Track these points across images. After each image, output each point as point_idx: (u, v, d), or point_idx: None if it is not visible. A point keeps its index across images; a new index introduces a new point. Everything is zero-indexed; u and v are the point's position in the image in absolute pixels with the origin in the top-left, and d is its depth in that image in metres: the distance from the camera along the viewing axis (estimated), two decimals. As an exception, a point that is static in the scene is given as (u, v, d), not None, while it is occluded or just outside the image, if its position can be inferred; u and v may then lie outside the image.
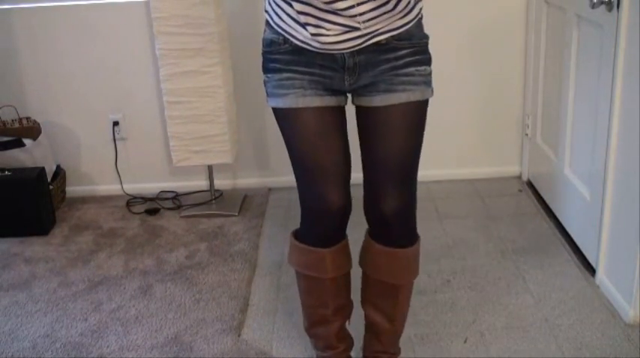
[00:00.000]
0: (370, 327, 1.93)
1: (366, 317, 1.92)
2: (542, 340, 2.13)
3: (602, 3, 2.20)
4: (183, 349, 2.17)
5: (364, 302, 1.91)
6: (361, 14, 1.51)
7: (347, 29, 1.54)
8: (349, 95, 1.72)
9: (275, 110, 1.71)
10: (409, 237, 1.77)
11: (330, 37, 1.55)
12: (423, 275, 2.51)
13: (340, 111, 1.72)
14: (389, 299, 1.85)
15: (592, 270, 2.46)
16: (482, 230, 2.84)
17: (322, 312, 1.89)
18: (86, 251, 2.85)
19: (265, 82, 1.70)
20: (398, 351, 1.98)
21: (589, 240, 2.49)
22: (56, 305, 2.46)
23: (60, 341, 2.25)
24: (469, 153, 3.32)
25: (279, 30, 1.62)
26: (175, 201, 3.28)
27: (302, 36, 1.58)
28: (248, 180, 3.39)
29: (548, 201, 2.98)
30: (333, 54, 1.61)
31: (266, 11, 1.67)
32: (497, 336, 2.16)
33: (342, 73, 1.64)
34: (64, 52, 3.16)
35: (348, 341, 1.98)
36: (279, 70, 1.65)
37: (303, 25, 1.55)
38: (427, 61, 1.67)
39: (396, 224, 1.72)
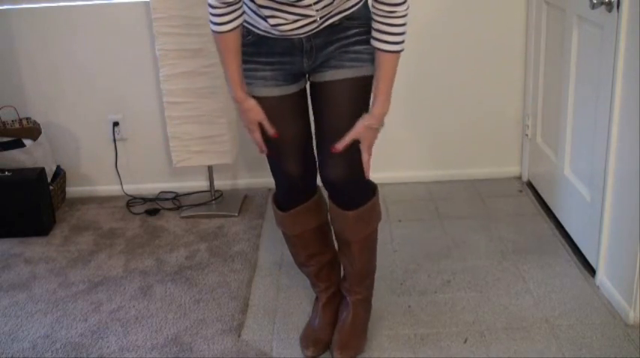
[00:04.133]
0: (343, 270, 2.22)
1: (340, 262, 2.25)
2: (542, 340, 2.13)
3: (602, 3, 2.20)
4: (183, 349, 2.17)
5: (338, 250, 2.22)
6: (314, 3, 1.69)
7: (302, 17, 1.73)
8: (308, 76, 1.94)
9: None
10: (357, 200, 1.99)
11: (288, 25, 1.75)
12: (423, 275, 2.51)
13: (300, 94, 1.95)
14: (346, 249, 2.11)
15: (592, 271, 2.45)
16: (482, 230, 2.84)
17: (298, 258, 2.22)
18: (86, 251, 2.85)
19: None
20: (364, 292, 2.19)
21: (589, 241, 2.48)
22: (56, 306, 2.46)
23: (60, 341, 2.25)
24: (469, 154, 3.32)
25: (244, 23, 1.81)
26: (175, 201, 3.28)
27: (263, 26, 1.79)
28: (248, 181, 3.39)
29: (548, 202, 2.98)
30: (292, 40, 1.81)
31: None
32: (497, 337, 2.16)
33: (301, 57, 1.84)
34: (64, 52, 3.16)
35: (333, 279, 2.24)
36: (245, 62, 1.86)
37: (264, 18, 1.75)
38: (364, 41, 1.84)
39: (341, 189, 1.95)
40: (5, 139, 3.15)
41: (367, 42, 1.82)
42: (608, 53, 2.21)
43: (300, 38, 1.81)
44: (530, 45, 3.06)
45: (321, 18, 1.76)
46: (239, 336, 2.23)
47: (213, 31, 1.77)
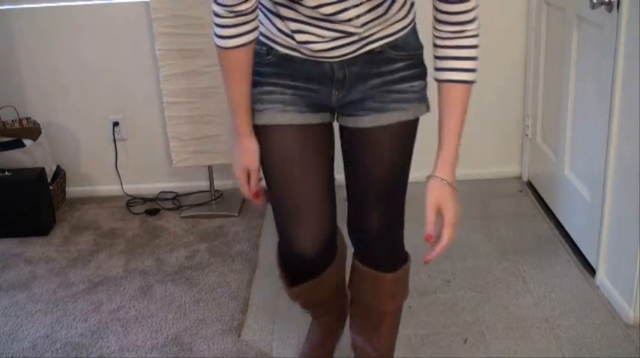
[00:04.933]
0: (357, 353, 1.88)
1: (353, 342, 1.88)
2: (542, 340, 2.13)
3: (602, 3, 2.20)
4: (183, 349, 2.17)
5: (350, 327, 1.86)
6: (351, 19, 1.35)
7: (339, 35, 1.38)
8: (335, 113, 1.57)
9: (254, 128, 1.54)
10: (394, 261, 1.68)
11: (321, 44, 1.40)
12: (423, 275, 2.51)
13: (325, 129, 1.55)
14: (374, 325, 1.77)
15: (592, 271, 2.45)
16: (482, 230, 2.84)
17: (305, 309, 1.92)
18: (86, 251, 2.85)
19: None
20: None
21: (589, 241, 2.48)
22: (56, 306, 2.46)
23: (60, 341, 2.25)
24: (469, 154, 3.31)
25: (263, 39, 1.47)
26: (175, 201, 3.28)
27: (288, 44, 1.43)
28: (248, 181, 3.39)
29: (548, 202, 2.98)
30: (321, 63, 1.44)
31: None
32: (497, 337, 2.16)
33: (330, 87, 1.47)
34: (65, 52, 3.16)
35: (336, 313, 1.95)
36: (259, 84, 1.49)
37: (290, 34, 1.41)
38: (423, 75, 1.52)
39: (379, 247, 1.64)
40: (5, 139, 3.15)
41: (414, 78, 1.49)
42: (608, 53, 2.21)
43: (332, 63, 1.44)
44: (530, 45, 3.06)
45: (361, 39, 1.41)
46: (239, 336, 2.23)
47: (218, 46, 1.40)
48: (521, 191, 3.21)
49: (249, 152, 1.53)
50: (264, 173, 1.58)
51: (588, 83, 2.44)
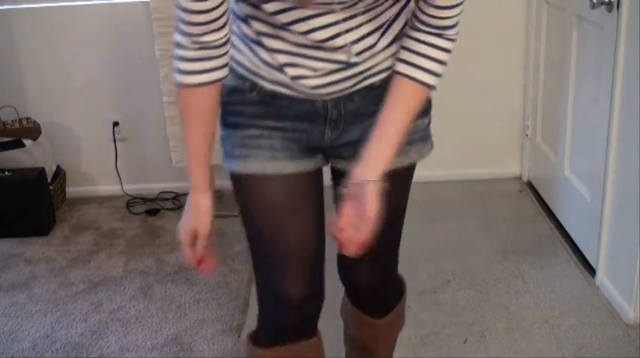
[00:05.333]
0: None
1: (346, 355, 1.77)
2: (542, 340, 2.13)
3: (602, 3, 2.20)
4: (183, 349, 2.17)
5: (344, 341, 1.74)
6: (344, 46, 1.17)
7: (335, 67, 1.20)
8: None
9: (233, 175, 1.33)
10: (386, 307, 1.55)
11: (315, 79, 1.21)
12: (423, 275, 2.51)
13: (317, 175, 1.36)
14: (368, 354, 1.67)
15: (592, 271, 2.45)
16: (482, 230, 2.84)
17: None
18: (86, 251, 2.85)
19: (223, 139, 1.33)
20: None
21: (589, 241, 2.48)
22: (56, 306, 2.46)
23: (60, 341, 2.25)
24: (469, 154, 3.32)
25: (245, 73, 1.26)
26: (175, 201, 3.28)
27: (277, 79, 1.23)
28: (248, 181, 3.38)
29: (548, 202, 2.98)
30: (313, 101, 1.25)
31: None
32: (497, 337, 2.16)
33: (323, 126, 1.28)
34: (65, 52, 3.16)
35: None
36: (243, 126, 1.29)
37: (279, 68, 1.21)
38: (427, 110, 1.36)
39: (368, 299, 1.52)
40: (5, 139, 3.15)
41: (418, 115, 1.27)
42: (608, 53, 2.21)
43: (325, 101, 1.25)
44: (530, 45, 3.06)
45: (360, 73, 1.24)
46: (239, 336, 2.23)
47: (177, 82, 1.18)
48: (521, 191, 3.21)
49: (201, 211, 1.30)
50: (245, 223, 1.39)
51: (588, 83, 2.44)
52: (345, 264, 1.48)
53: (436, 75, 1.21)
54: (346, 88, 1.24)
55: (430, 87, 1.22)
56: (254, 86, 1.26)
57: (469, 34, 3.16)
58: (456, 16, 1.21)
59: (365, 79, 1.25)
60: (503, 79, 3.18)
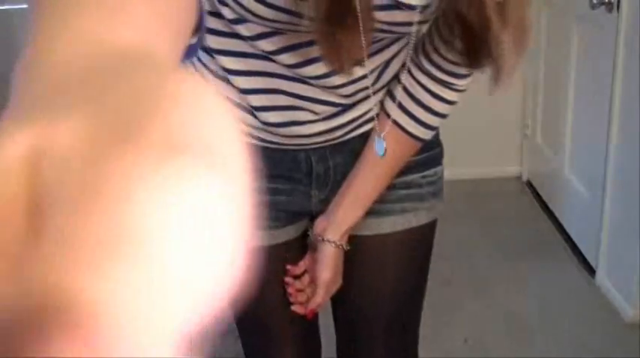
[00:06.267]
0: None
1: None
2: (541, 340, 2.14)
3: (602, 4, 2.20)
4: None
5: None
6: (337, 86, 0.92)
7: (329, 109, 0.95)
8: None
9: None
10: None
11: (295, 127, 0.95)
12: (423, 275, 2.52)
13: (299, 243, 1.10)
14: None
15: (592, 271, 2.45)
16: (482, 230, 2.84)
17: None
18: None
19: None
20: None
21: (589, 241, 2.48)
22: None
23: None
24: (469, 153, 3.32)
25: None
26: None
27: (250, 127, 0.97)
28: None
29: (548, 202, 2.98)
30: (293, 153, 0.99)
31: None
32: (497, 337, 2.16)
33: (308, 186, 1.02)
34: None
35: None
36: None
37: (251, 109, 0.95)
38: (438, 158, 1.10)
39: None
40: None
41: (428, 164, 1.07)
42: (608, 53, 2.21)
43: (307, 152, 1.00)
44: (530, 45, 3.06)
45: (353, 120, 0.99)
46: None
47: None
48: (521, 191, 3.21)
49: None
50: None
51: (588, 83, 2.44)
52: (350, 350, 1.19)
53: (432, 129, 1.00)
54: (336, 137, 0.99)
55: (421, 141, 1.01)
56: None
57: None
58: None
59: (358, 127, 1.00)
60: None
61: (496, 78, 0.87)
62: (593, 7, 2.22)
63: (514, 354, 2.08)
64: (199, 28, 0.39)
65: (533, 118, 3.12)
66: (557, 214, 2.86)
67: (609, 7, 2.17)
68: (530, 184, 3.23)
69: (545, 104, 2.98)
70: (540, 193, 3.09)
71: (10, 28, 3.14)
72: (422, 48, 0.95)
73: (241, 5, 0.80)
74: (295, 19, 0.79)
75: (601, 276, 2.38)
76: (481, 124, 3.25)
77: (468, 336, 2.17)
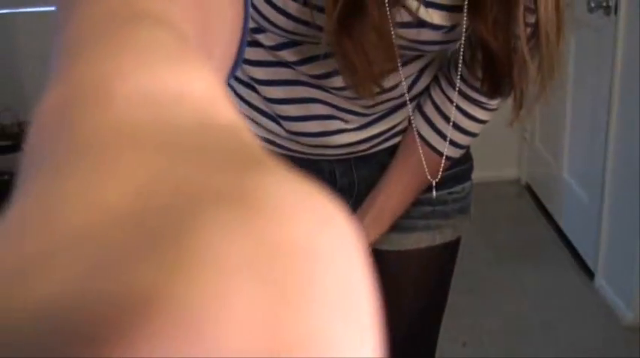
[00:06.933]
0: None
1: None
2: (540, 344, 2.13)
3: (600, 7, 2.20)
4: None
5: None
6: (383, 92, 0.88)
7: (357, 119, 0.93)
8: None
9: None
10: None
11: (321, 138, 0.93)
12: (422, 278, 2.51)
13: None
14: None
15: (591, 274, 2.45)
16: (480, 233, 2.84)
17: None
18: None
19: None
20: None
21: (588, 244, 2.48)
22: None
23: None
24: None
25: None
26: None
27: (275, 135, 0.95)
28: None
29: (546, 205, 2.98)
30: (317, 163, 0.97)
31: None
32: (495, 340, 2.16)
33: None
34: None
35: None
36: None
37: (275, 118, 0.93)
38: (468, 173, 1.07)
39: None
40: (4, 143, 3.15)
41: (457, 180, 1.04)
42: (607, 57, 2.21)
43: (332, 163, 0.98)
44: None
45: (379, 134, 0.96)
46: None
47: None
48: (519, 194, 3.21)
49: None
50: None
51: (587, 86, 2.44)
52: None
53: (462, 148, 0.97)
54: (360, 151, 0.96)
55: (450, 159, 0.97)
56: None
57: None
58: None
59: (385, 140, 0.97)
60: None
61: (517, 109, 0.86)
62: (590, 10, 2.22)
63: (513, 357, 2.08)
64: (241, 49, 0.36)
65: (531, 121, 3.12)
66: (555, 217, 2.86)
67: (607, 10, 2.17)
68: (529, 187, 3.23)
69: (543, 107, 2.98)
70: (539, 196, 3.09)
71: (11, 30, 3.14)
72: (454, 62, 0.91)
73: (262, 15, 0.77)
74: (313, 31, 0.77)
75: (600, 279, 2.38)
76: (480, 128, 3.25)
77: (466, 340, 2.17)
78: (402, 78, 0.88)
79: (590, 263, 2.48)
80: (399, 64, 0.84)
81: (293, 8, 0.75)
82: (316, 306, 0.13)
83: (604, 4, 2.18)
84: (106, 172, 0.15)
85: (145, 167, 0.15)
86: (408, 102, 0.92)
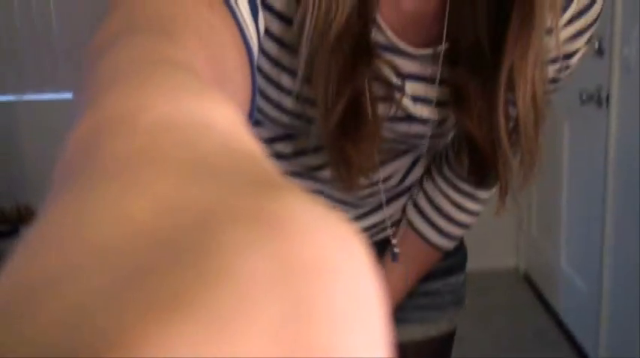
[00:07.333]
0: None
1: None
2: None
3: (591, 99, 2.25)
4: None
5: None
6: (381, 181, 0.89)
7: (349, 210, 0.94)
8: None
9: None
10: None
11: None
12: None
13: None
14: None
15: (591, 365, 2.42)
16: (478, 323, 2.81)
17: None
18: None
19: None
20: None
21: (588, 334, 2.46)
22: None
23: None
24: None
25: None
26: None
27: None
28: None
29: (545, 295, 2.96)
30: None
31: None
32: None
33: None
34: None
35: None
36: None
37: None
38: (462, 264, 1.10)
39: None
40: (3, 228, 3.15)
41: (450, 271, 1.07)
42: (599, 148, 2.24)
43: None
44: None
45: (374, 226, 0.97)
46: None
47: None
48: (517, 283, 3.19)
49: None
50: None
51: (581, 175, 2.47)
52: None
53: (454, 239, 0.98)
54: None
55: (443, 250, 0.98)
56: None
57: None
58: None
59: (378, 232, 0.97)
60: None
61: (502, 199, 0.86)
62: (582, 102, 2.27)
63: None
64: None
65: (528, 211, 3.14)
66: (554, 307, 2.84)
67: (599, 102, 2.22)
68: (527, 276, 3.22)
69: (539, 196, 3.00)
70: (538, 286, 3.07)
71: (12, 118, 3.19)
72: (445, 154, 0.92)
73: (257, 108, 0.76)
74: (307, 125, 0.77)
75: (601, 371, 2.34)
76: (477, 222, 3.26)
77: None
78: (394, 170, 0.89)
79: (590, 353, 2.45)
80: (392, 156, 0.85)
81: (287, 103, 0.77)
82: (335, 321, 0.14)
83: (595, 97, 2.23)
84: (131, 190, 0.16)
85: (170, 186, 0.16)
86: (394, 199, 0.93)
